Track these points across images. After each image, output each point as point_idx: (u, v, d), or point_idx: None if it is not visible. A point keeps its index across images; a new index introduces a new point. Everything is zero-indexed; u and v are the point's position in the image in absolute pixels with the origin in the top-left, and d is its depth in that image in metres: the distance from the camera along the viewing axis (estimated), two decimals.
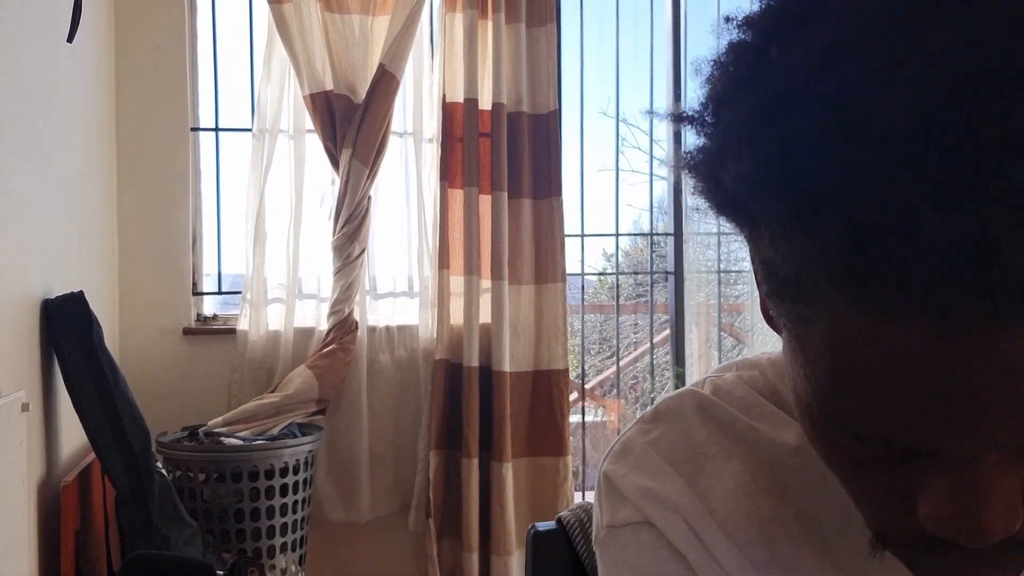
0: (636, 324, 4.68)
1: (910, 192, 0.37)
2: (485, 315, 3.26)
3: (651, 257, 3.91)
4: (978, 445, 0.42)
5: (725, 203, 0.48)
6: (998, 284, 0.37)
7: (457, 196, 3.28)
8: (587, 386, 4.39)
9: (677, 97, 3.66)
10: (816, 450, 0.51)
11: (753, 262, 0.51)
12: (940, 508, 0.45)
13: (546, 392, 3.31)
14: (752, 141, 0.43)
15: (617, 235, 3.80)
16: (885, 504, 0.49)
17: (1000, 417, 0.41)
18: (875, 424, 0.44)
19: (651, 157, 3.89)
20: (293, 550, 2.85)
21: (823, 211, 0.40)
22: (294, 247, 3.22)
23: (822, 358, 0.45)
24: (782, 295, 0.46)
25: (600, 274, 4.68)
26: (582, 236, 3.67)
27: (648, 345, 4.06)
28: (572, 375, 3.52)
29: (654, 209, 3.88)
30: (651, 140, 3.88)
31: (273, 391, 3.09)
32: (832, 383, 0.45)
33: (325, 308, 3.22)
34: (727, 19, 0.47)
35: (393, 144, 3.28)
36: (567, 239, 3.42)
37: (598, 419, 4.78)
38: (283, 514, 2.80)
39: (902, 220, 0.37)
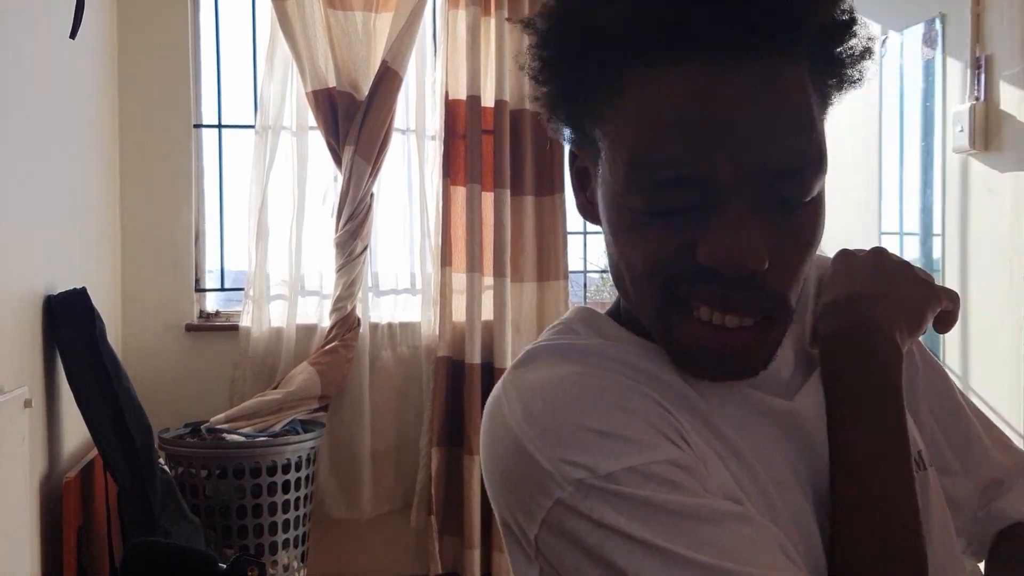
0: None
1: None
2: (487, 312, 3.26)
3: None
4: (738, 164, 0.59)
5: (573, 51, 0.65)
6: (758, 24, 0.56)
7: (459, 193, 3.27)
8: None
9: None
10: (622, 244, 0.66)
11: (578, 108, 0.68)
12: (713, 247, 0.61)
13: None
14: None
15: None
16: (675, 259, 0.63)
17: (750, 134, 0.59)
18: (668, 162, 0.60)
19: None
20: (295, 547, 2.86)
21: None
22: (297, 244, 3.22)
23: (629, 124, 0.63)
24: (599, 85, 0.64)
25: (603, 271, 4.67)
26: (584, 233, 3.66)
27: None
28: None
29: None
30: None
31: (275, 388, 3.10)
32: (637, 140, 0.62)
33: (327, 305, 3.22)
34: None
35: (396, 141, 3.28)
36: (570, 236, 3.41)
37: None
38: (285, 511, 2.80)
39: None
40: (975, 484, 0.83)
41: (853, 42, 0.67)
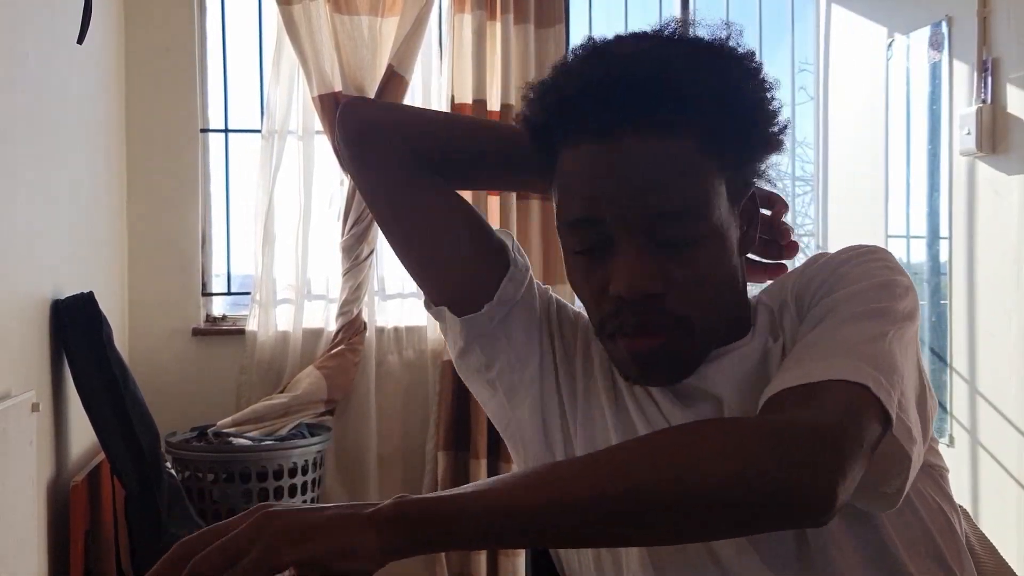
0: None
1: (580, 93, 0.80)
2: None
3: None
4: (623, 213, 0.79)
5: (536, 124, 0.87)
6: (617, 119, 0.77)
7: (465, 197, 3.27)
8: None
9: None
10: (568, 269, 0.87)
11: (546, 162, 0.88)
12: (617, 279, 0.80)
13: None
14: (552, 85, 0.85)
15: None
16: (599, 294, 0.83)
17: (628, 190, 0.79)
18: (578, 209, 0.82)
19: None
20: None
21: (563, 103, 0.82)
22: (303, 248, 3.23)
23: (559, 183, 0.85)
24: (546, 160, 0.86)
25: None
26: None
27: None
28: None
29: None
30: None
31: (282, 392, 3.10)
32: (559, 201, 0.85)
33: (334, 309, 3.22)
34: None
35: None
36: None
37: None
38: None
39: (583, 99, 0.79)
40: None
41: (747, 114, 0.82)
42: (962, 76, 2.76)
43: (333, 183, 3.28)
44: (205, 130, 3.35)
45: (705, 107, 0.78)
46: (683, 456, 0.67)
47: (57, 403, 2.33)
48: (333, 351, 3.15)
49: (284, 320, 3.25)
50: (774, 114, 0.84)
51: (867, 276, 0.82)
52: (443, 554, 3.20)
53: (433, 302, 0.98)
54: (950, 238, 2.86)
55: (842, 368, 0.72)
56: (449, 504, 0.66)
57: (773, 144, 0.85)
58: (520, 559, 3.18)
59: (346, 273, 3.14)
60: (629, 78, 0.78)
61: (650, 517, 0.65)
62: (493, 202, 3.26)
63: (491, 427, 3.21)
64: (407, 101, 3.23)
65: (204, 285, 3.34)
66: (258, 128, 3.28)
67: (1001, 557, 1.15)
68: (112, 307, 2.78)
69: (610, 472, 0.67)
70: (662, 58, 0.80)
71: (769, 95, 0.84)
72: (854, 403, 0.70)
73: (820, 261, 0.87)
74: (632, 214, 0.79)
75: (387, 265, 3.36)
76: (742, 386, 0.85)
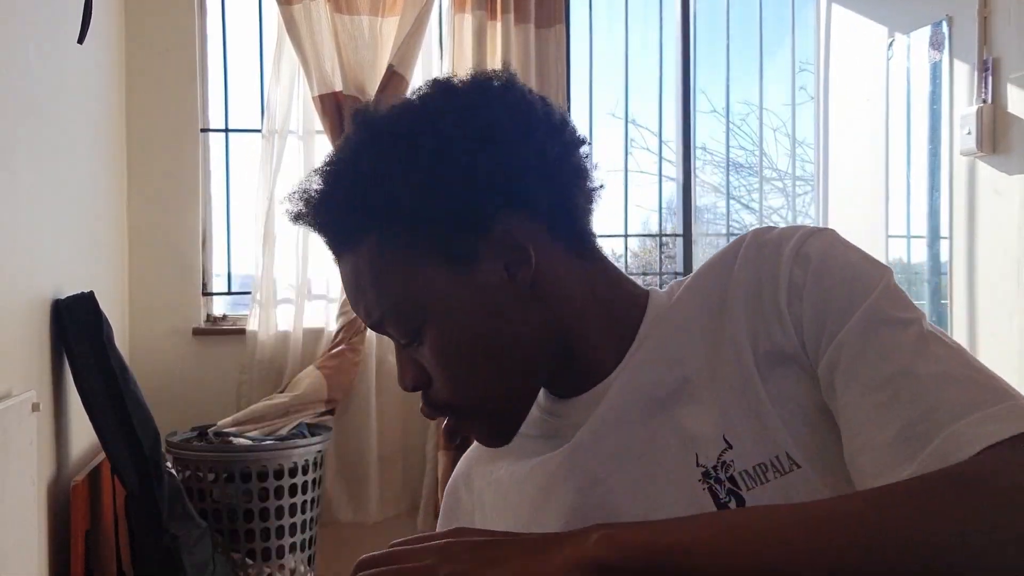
0: None
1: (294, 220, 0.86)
2: None
3: (660, 258, 3.90)
4: (366, 318, 0.80)
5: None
6: (328, 238, 0.82)
7: None
8: None
9: (686, 97, 3.65)
10: None
11: None
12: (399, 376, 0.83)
13: None
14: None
15: (626, 236, 3.80)
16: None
17: (352, 303, 0.81)
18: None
19: (660, 158, 3.88)
20: (302, 550, 2.86)
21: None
22: (303, 248, 3.23)
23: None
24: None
25: None
26: None
27: None
28: None
29: (663, 210, 3.88)
30: (660, 141, 3.88)
31: (282, 391, 3.10)
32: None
33: (334, 309, 3.23)
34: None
35: None
36: None
37: None
38: (292, 514, 2.80)
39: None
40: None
41: (419, 203, 0.79)
42: (962, 76, 2.76)
43: None
44: (205, 130, 3.35)
45: (375, 214, 0.77)
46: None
47: (57, 403, 2.33)
48: (333, 351, 3.15)
49: (285, 320, 3.25)
50: (453, 182, 0.75)
51: (862, 277, 0.74)
52: None
53: None
54: (950, 238, 2.86)
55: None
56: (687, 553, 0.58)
57: (469, 209, 0.76)
58: None
59: None
60: (307, 210, 0.82)
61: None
62: None
63: None
64: None
65: (204, 285, 3.34)
66: (258, 128, 3.28)
67: None
68: (112, 307, 2.78)
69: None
70: (335, 179, 0.80)
71: (458, 160, 0.75)
72: None
73: (767, 250, 0.77)
74: (361, 322, 0.86)
75: None
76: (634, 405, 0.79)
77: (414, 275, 0.77)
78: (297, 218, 0.83)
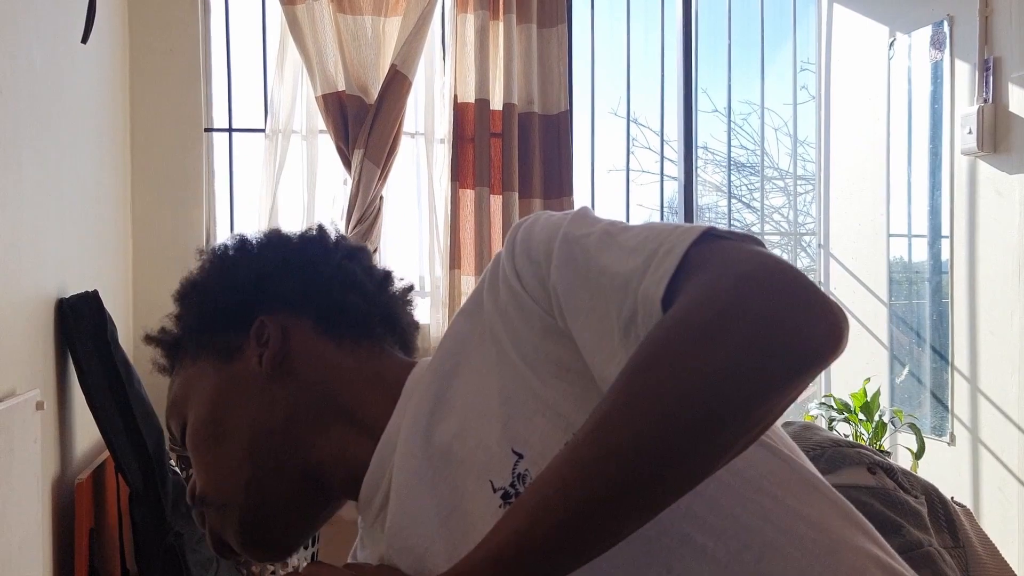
0: None
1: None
2: None
3: None
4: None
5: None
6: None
7: (468, 196, 3.28)
8: None
9: (688, 96, 3.66)
10: None
11: None
12: None
13: None
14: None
15: None
16: None
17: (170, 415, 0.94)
18: None
19: (662, 157, 3.89)
20: (305, 548, 2.86)
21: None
22: None
23: None
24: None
25: None
26: None
27: None
28: None
29: (664, 209, 3.88)
30: (662, 140, 3.88)
31: None
32: None
33: None
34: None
35: (405, 144, 3.29)
36: None
37: None
38: None
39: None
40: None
41: (188, 319, 0.96)
42: (963, 75, 2.77)
43: (336, 182, 3.29)
44: (209, 129, 3.36)
45: (177, 343, 0.95)
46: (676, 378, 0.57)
47: (62, 401, 2.34)
48: None
49: None
50: (220, 291, 0.93)
51: (556, 223, 0.75)
52: None
53: None
54: (951, 237, 2.87)
55: (674, 240, 0.65)
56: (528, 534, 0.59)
57: (232, 309, 0.91)
58: None
59: None
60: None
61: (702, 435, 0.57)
62: (496, 201, 3.27)
63: None
64: (410, 101, 3.24)
65: None
66: (262, 128, 3.29)
67: (1002, 557, 1.16)
68: (117, 306, 2.79)
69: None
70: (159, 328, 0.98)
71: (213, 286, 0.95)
72: (726, 247, 0.63)
73: (495, 266, 0.78)
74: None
75: (390, 264, 3.37)
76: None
77: (193, 377, 0.90)
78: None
